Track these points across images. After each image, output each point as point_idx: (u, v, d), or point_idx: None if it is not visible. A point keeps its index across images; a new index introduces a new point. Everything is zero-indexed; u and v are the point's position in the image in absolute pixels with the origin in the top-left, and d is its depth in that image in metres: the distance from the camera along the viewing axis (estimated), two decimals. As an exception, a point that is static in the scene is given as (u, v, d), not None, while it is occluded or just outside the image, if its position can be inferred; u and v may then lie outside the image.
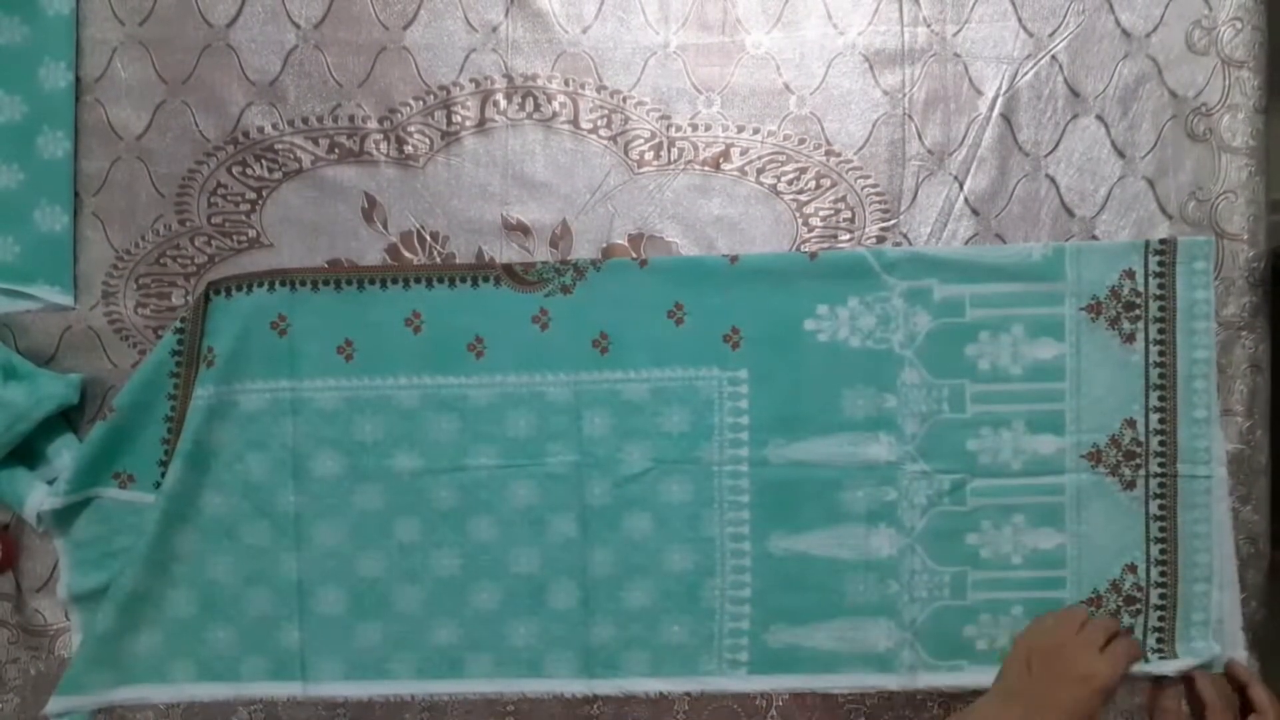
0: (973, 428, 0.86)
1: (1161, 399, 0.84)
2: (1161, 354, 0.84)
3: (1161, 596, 0.85)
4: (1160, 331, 0.84)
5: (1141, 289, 0.85)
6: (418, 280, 0.87)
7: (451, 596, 0.87)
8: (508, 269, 0.87)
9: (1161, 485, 0.85)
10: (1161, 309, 0.84)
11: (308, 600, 0.87)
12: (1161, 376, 0.84)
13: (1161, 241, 0.85)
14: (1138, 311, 0.85)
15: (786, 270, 0.86)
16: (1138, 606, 0.85)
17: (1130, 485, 0.85)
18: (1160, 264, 0.85)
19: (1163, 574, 0.85)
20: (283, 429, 0.87)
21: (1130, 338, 0.85)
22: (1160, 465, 0.85)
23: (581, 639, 0.87)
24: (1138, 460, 0.85)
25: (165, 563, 0.88)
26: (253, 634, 0.88)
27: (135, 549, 0.86)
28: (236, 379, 0.87)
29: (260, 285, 0.87)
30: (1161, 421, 0.85)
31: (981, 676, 0.85)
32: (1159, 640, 0.85)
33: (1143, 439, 0.85)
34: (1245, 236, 0.86)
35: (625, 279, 0.86)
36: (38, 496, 0.86)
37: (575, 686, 0.87)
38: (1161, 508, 0.85)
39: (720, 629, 0.87)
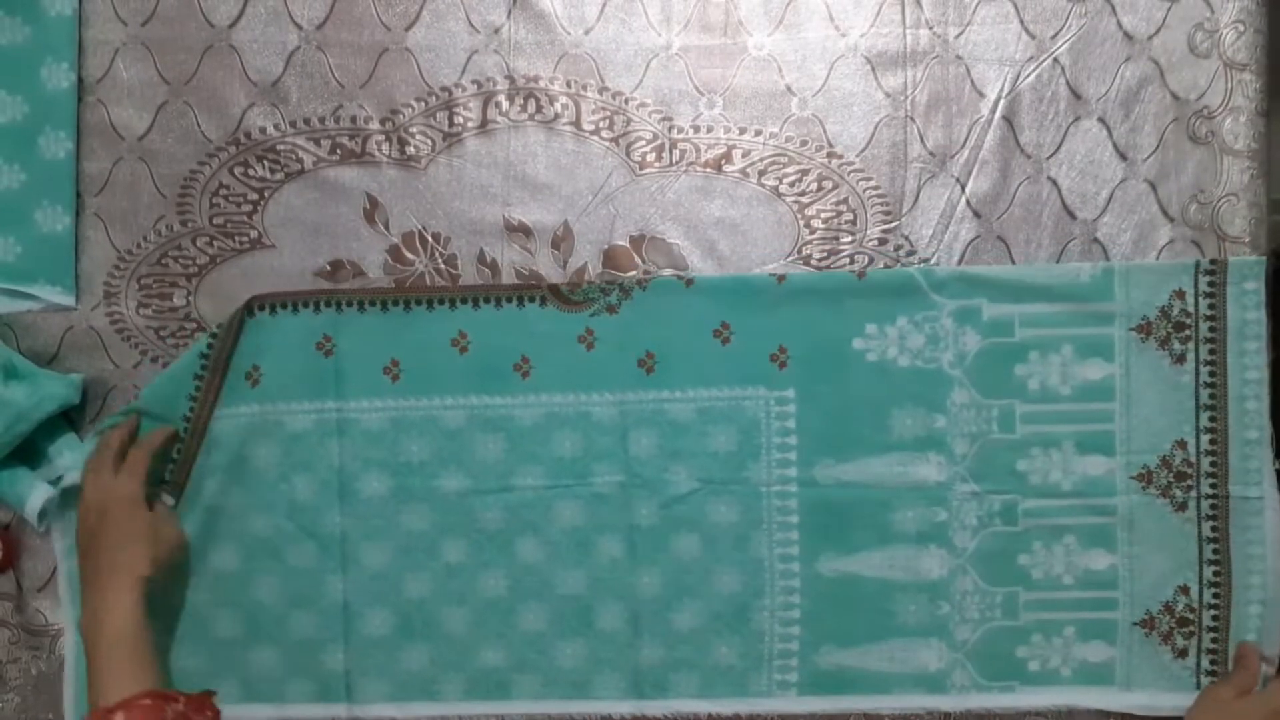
0: (1023, 448, 0.85)
1: (1212, 420, 0.84)
2: (1212, 375, 0.84)
3: (1214, 618, 0.84)
4: (1211, 352, 0.84)
5: (1192, 309, 0.84)
6: (464, 300, 0.87)
7: (498, 617, 0.87)
8: (554, 289, 0.87)
9: (1214, 507, 0.84)
10: (1212, 329, 0.84)
11: (354, 622, 0.87)
12: (1212, 397, 0.84)
13: (1212, 261, 0.84)
14: (1188, 332, 0.84)
15: (834, 289, 0.86)
16: (1191, 629, 0.85)
17: (1182, 507, 0.85)
18: (1211, 284, 0.84)
19: (1216, 595, 0.84)
20: (329, 450, 0.87)
21: (1181, 358, 0.84)
22: (1212, 487, 0.84)
23: (630, 660, 0.87)
24: (1189, 481, 0.85)
25: (206, 581, 0.88)
26: (297, 656, 0.88)
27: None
28: (282, 399, 0.87)
29: (306, 305, 0.87)
30: (1212, 443, 0.84)
31: (1034, 698, 0.85)
32: (1212, 662, 0.84)
33: (1194, 460, 0.84)
34: (1247, 239, 0.86)
35: (671, 298, 0.86)
36: (39, 496, 0.86)
37: (624, 708, 0.87)
38: (1214, 529, 0.84)
39: (770, 650, 0.86)
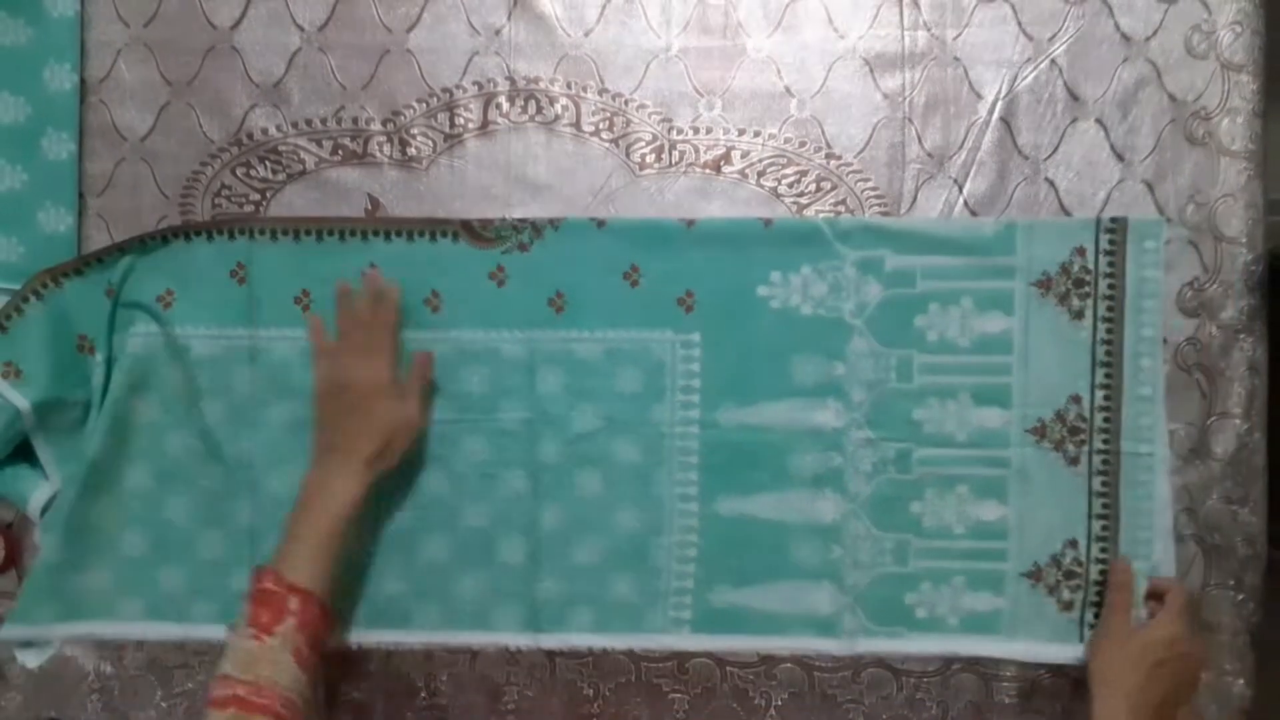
0: (919, 398, 0.86)
1: (1108, 376, 0.85)
2: (1109, 331, 0.85)
3: (1101, 573, 0.85)
4: (1109, 309, 0.85)
5: (1092, 266, 0.85)
6: (375, 233, 0.87)
7: (402, 548, 0.88)
8: (465, 225, 0.87)
9: (1105, 462, 0.85)
10: (1111, 286, 0.85)
11: (260, 546, 0.87)
12: (1108, 354, 0.85)
13: (1113, 220, 0.85)
14: (1087, 289, 0.85)
15: (741, 236, 0.86)
16: (1077, 582, 0.86)
17: (1074, 461, 0.86)
18: (1111, 242, 0.85)
19: (1103, 550, 0.85)
20: (240, 377, 0.87)
21: (1079, 314, 0.85)
22: (1105, 442, 0.85)
23: (529, 593, 0.87)
24: (1082, 436, 0.85)
25: (116, 497, 0.88)
26: (204, 577, 0.88)
27: (76, 475, 0.86)
28: (190, 322, 0.87)
29: (221, 234, 0.87)
30: (1107, 399, 0.85)
31: (920, 644, 0.86)
32: (1095, 615, 0.85)
33: (1088, 415, 0.85)
34: (1243, 240, 0.87)
35: (583, 239, 0.87)
36: (41, 494, 0.86)
37: (521, 640, 0.88)
38: (1104, 484, 0.85)
39: (666, 587, 0.87)
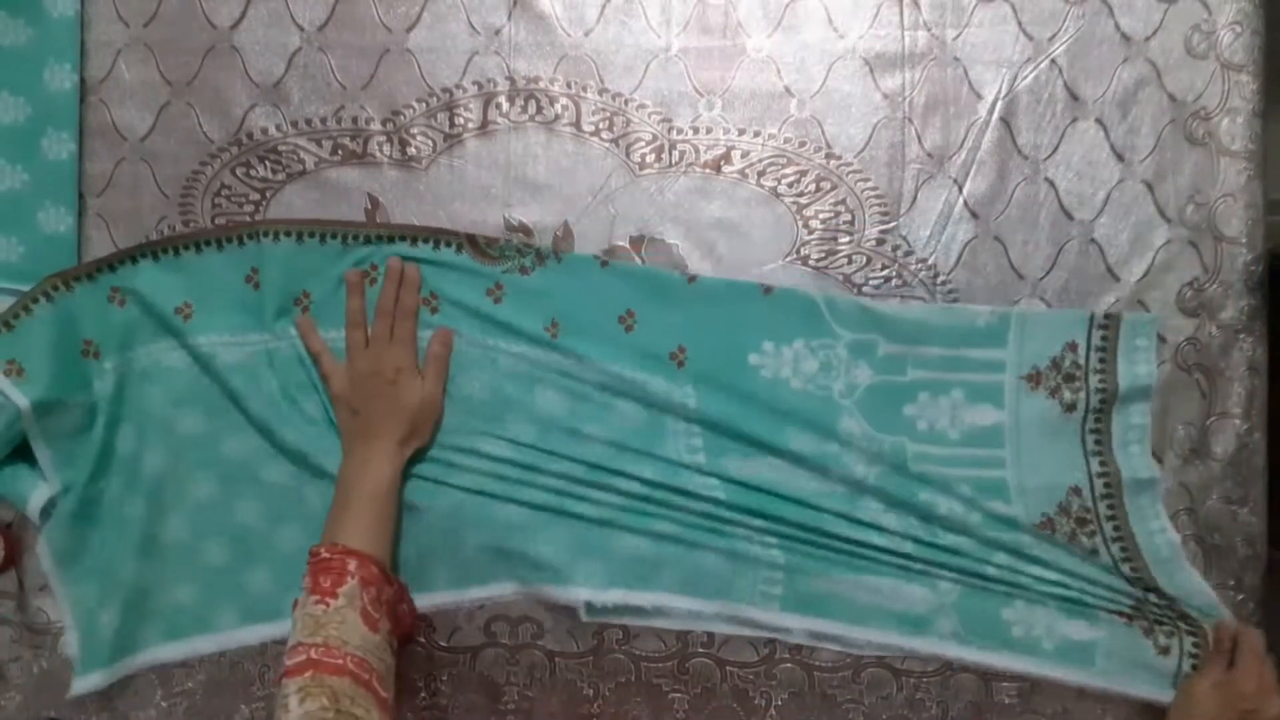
0: (921, 484, 0.85)
1: (1103, 464, 0.85)
2: (1098, 421, 0.85)
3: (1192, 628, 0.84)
4: (1101, 403, 0.85)
5: (1083, 362, 0.85)
6: (380, 237, 0.87)
7: (475, 514, 0.86)
8: (470, 239, 0.87)
9: (1124, 549, 0.85)
10: (1102, 382, 0.85)
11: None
12: (1098, 443, 0.85)
13: (1106, 316, 0.85)
14: (1078, 384, 0.85)
15: (740, 300, 0.86)
16: (1170, 628, 0.84)
17: (1093, 552, 0.85)
18: (1104, 339, 0.85)
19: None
20: (266, 378, 0.87)
21: (1071, 407, 0.85)
22: (1115, 529, 0.85)
23: (609, 548, 0.86)
24: (1091, 527, 0.85)
25: (186, 512, 0.88)
26: (292, 572, 0.83)
27: (124, 508, 0.86)
28: (213, 331, 0.87)
29: (230, 241, 0.87)
30: (1107, 486, 0.85)
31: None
32: (1193, 666, 0.84)
33: (1091, 505, 0.85)
34: (1244, 240, 0.87)
35: (584, 275, 0.87)
36: (41, 494, 0.86)
37: (608, 596, 0.86)
38: (1133, 570, 0.85)
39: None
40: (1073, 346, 0.85)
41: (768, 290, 0.86)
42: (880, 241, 0.88)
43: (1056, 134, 0.88)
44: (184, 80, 0.90)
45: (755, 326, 0.86)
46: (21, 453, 0.87)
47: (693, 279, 0.87)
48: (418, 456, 0.86)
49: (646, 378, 0.86)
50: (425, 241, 0.87)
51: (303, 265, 0.87)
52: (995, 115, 0.88)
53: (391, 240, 0.87)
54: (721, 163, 0.89)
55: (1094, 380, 0.85)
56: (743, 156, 0.89)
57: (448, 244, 0.87)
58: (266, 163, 0.90)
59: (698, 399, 0.86)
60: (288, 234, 0.87)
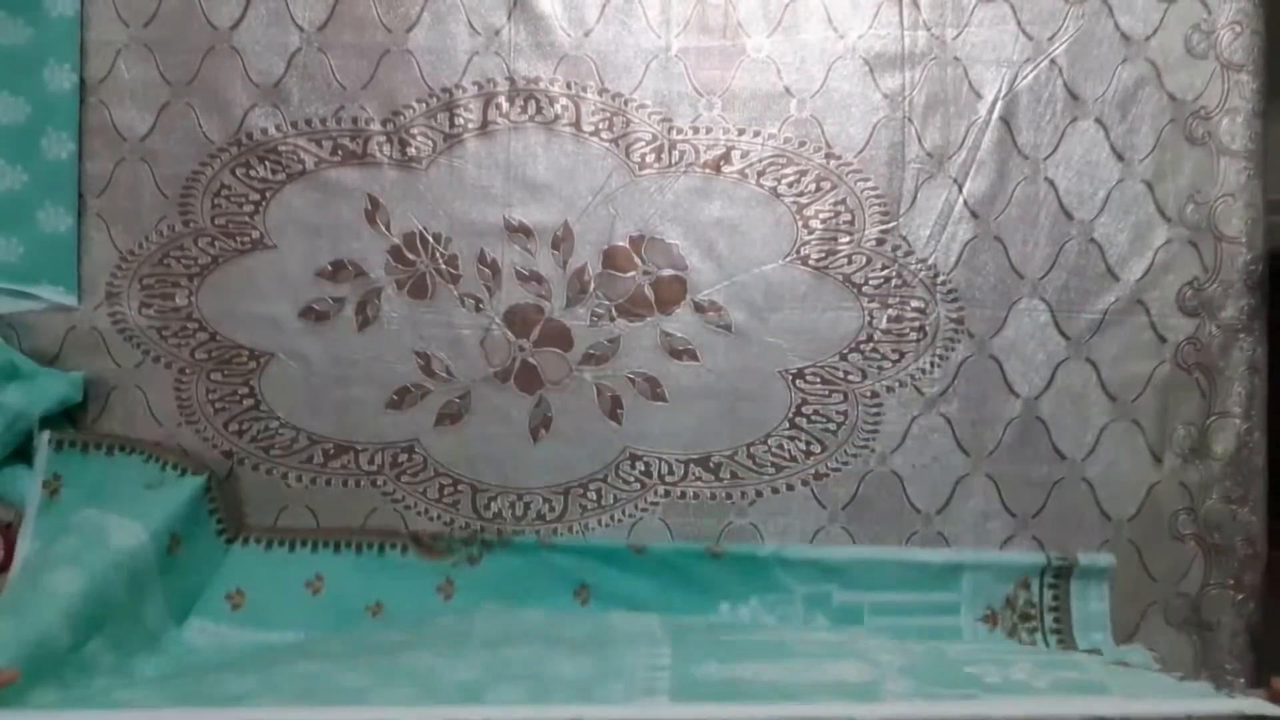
0: None
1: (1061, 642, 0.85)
2: (1060, 643, 0.85)
3: None
4: (1059, 641, 0.85)
5: (1036, 600, 0.86)
6: (325, 544, 0.87)
7: None
8: (415, 537, 0.87)
9: None
10: (1058, 620, 0.86)
11: None
12: (1060, 643, 0.85)
13: (1061, 556, 0.86)
14: (1034, 623, 0.86)
15: (690, 565, 0.86)
16: None
17: None
18: (1056, 578, 0.86)
19: None
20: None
21: (1031, 643, 0.85)
22: None
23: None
24: None
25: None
26: None
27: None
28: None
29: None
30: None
31: None
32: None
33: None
34: (1243, 239, 0.87)
35: (531, 556, 0.87)
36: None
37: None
38: None
39: None
40: (1025, 584, 0.86)
41: (716, 554, 0.86)
42: (880, 241, 0.88)
43: (1056, 134, 0.88)
44: (184, 80, 0.90)
45: (710, 587, 0.86)
46: (22, 453, 0.87)
47: (640, 550, 0.86)
48: None
49: (616, 652, 0.77)
50: (369, 547, 0.87)
51: (244, 567, 0.86)
52: (995, 115, 0.88)
53: (337, 548, 0.87)
54: (721, 163, 0.89)
55: (1049, 619, 0.85)
56: (743, 156, 0.88)
57: (392, 546, 0.87)
58: (266, 163, 0.90)
59: (673, 653, 0.78)
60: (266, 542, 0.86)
